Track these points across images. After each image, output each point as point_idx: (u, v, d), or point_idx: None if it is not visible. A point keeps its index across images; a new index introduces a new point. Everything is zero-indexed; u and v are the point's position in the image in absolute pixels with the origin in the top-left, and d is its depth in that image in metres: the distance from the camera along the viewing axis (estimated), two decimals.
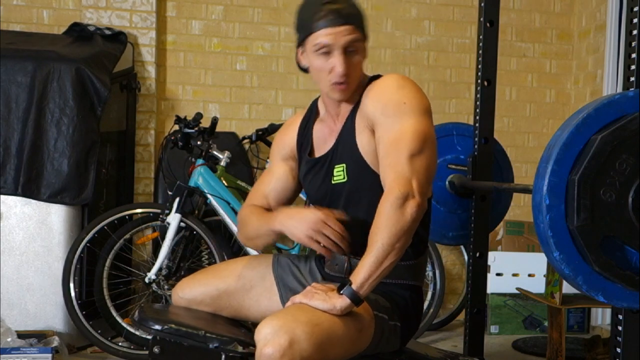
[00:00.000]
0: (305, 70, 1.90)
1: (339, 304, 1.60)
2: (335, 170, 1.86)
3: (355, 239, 1.82)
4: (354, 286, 1.61)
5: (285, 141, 2.04)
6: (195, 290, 1.99)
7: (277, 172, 2.04)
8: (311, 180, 1.94)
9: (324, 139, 1.94)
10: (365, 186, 1.81)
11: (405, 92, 1.77)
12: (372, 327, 1.71)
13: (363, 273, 1.62)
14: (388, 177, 1.69)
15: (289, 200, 2.06)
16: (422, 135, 1.72)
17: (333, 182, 1.86)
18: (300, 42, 1.83)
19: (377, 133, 1.77)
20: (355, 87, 1.83)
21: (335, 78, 1.77)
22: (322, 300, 1.61)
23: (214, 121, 3.38)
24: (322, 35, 1.75)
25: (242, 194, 3.46)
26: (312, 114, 2.00)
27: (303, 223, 1.73)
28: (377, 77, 1.88)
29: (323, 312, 1.60)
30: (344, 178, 1.84)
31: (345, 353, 1.65)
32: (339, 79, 1.77)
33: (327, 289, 1.65)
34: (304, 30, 1.79)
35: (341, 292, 1.62)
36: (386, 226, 1.62)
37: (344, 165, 1.84)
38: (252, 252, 3.31)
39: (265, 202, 2.03)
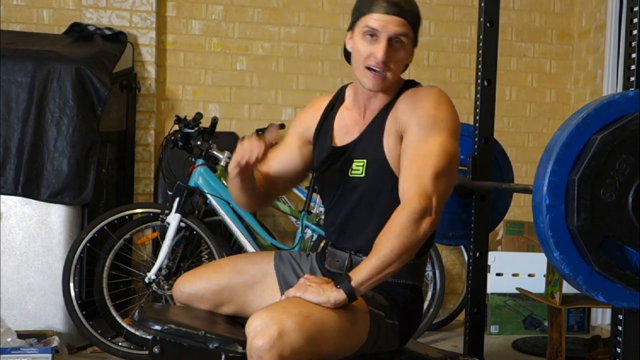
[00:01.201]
0: (347, 58, 1.90)
1: (334, 298, 1.61)
2: (354, 164, 1.86)
3: (362, 236, 1.84)
4: (353, 283, 1.62)
5: (306, 122, 2.04)
6: (196, 285, 1.99)
7: (288, 143, 2.04)
8: (327, 168, 1.93)
9: (346, 129, 1.93)
10: (382, 187, 1.82)
11: (444, 109, 1.79)
12: (366, 323, 1.71)
13: (365, 273, 1.63)
14: (410, 188, 1.70)
15: (291, 173, 2.04)
16: (451, 156, 1.75)
17: (350, 174, 1.86)
18: (352, 25, 1.84)
19: (406, 140, 1.77)
20: (390, 83, 1.82)
21: (371, 63, 1.77)
22: (316, 293, 1.62)
23: (214, 121, 3.38)
24: (373, 19, 1.77)
25: None
26: (337, 100, 2.00)
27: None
28: (413, 82, 1.90)
29: (315, 304, 1.61)
30: (362, 174, 1.84)
31: (338, 347, 1.65)
32: (375, 66, 1.77)
33: (321, 282, 1.67)
34: (358, 12, 1.82)
35: (339, 286, 1.63)
36: (399, 235, 1.64)
37: (365, 160, 1.84)
38: (253, 251, 3.32)
39: (267, 167, 2.02)
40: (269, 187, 2.01)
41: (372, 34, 1.77)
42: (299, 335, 1.53)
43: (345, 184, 1.88)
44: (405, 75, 1.96)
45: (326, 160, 1.93)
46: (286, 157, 2.03)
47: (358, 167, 1.85)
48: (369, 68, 1.79)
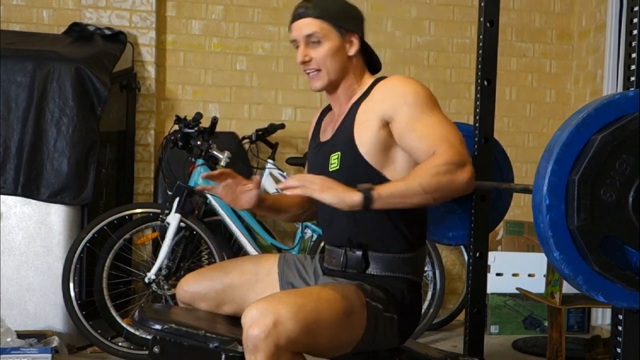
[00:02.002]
0: None
1: (349, 199, 1.61)
2: (331, 157, 1.90)
3: (346, 230, 1.87)
4: (374, 192, 1.62)
5: (309, 135, 2.14)
6: (200, 284, 2.02)
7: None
8: (312, 164, 2.01)
9: (325, 128, 2.03)
10: (357, 177, 1.81)
11: (419, 87, 1.82)
12: (363, 315, 1.72)
13: (389, 189, 1.64)
14: (440, 147, 1.69)
15: None
16: (454, 126, 1.79)
17: (330, 169, 1.90)
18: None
19: (399, 122, 1.78)
20: (332, 77, 1.91)
21: (302, 69, 1.92)
22: (334, 194, 1.61)
23: (214, 121, 3.38)
24: (291, 32, 1.93)
25: None
26: (329, 105, 2.09)
27: None
28: (384, 78, 1.93)
29: (310, 294, 1.64)
30: (337, 166, 1.87)
31: (335, 338, 1.66)
32: (304, 69, 1.91)
33: (336, 184, 1.65)
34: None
35: (358, 187, 1.63)
36: (433, 175, 1.63)
37: (339, 153, 1.88)
38: (253, 251, 3.32)
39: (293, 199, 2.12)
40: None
41: (296, 45, 1.92)
42: (294, 324, 1.54)
43: None
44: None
45: (311, 157, 2.03)
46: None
47: (334, 161, 1.88)
48: (305, 72, 1.93)
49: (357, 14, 1.95)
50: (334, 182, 1.66)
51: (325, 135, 2.00)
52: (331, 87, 1.94)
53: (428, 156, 1.71)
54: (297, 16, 1.90)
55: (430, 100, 1.80)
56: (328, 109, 2.09)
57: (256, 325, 1.53)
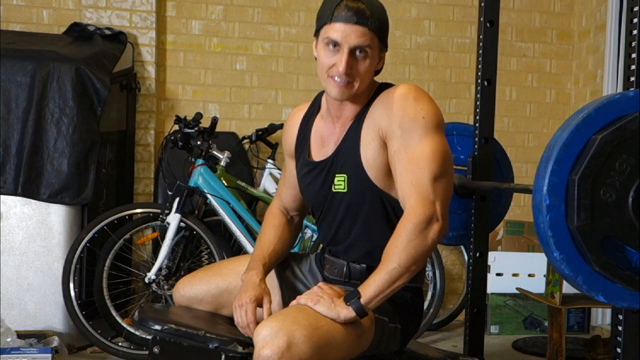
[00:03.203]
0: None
1: (344, 315, 1.60)
2: (336, 179, 1.83)
3: (355, 247, 1.84)
4: (362, 300, 1.61)
5: (287, 139, 2.02)
6: (196, 288, 1.99)
7: (288, 169, 2.05)
8: (309, 184, 1.92)
9: (322, 142, 1.90)
10: (364, 199, 1.80)
11: (422, 105, 1.72)
12: (372, 331, 1.71)
13: (374, 289, 1.62)
14: (411, 198, 1.66)
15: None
16: (443, 155, 1.70)
17: (334, 190, 1.84)
18: (316, 32, 1.79)
19: (392, 146, 1.72)
20: (358, 91, 1.76)
21: (334, 74, 1.73)
22: (327, 308, 1.61)
23: (214, 121, 3.38)
24: (333, 30, 1.71)
25: (242, 194, 3.46)
26: (314, 109, 1.96)
27: (239, 293, 1.81)
28: (388, 85, 1.84)
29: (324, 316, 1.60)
30: (344, 188, 1.82)
31: (344, 356, 1.65)
32: (338, 77, 1.72)
33: (333, 294, 1.65)
34: (321, 20, 1.76)
35: (348, 303, 1.61)
36: (406, 248, 1.61)
37: (346, 175, 1.81)
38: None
39: (280, 202, 2.08)
40: (296, 209, 2.08)
41: (335, 44, 1.71)
42: (307, 347, 1.51)
43: (331, 199, 1.87)
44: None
45: (307, 175, 1.92)
46: (292, 185, 2.03)
47: (340, 182, 1.82)
48: (332, 77, 1.74)
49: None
50: (324, 290, 1.65)
51: (325, 151, 1.88)
52: (348, 99, 1.79)
53: (402, 200, 1.69)
54: (350, 18, 1.69)
55: (424, 121, 1.70)
56: (312, 117, 1.94)
57: (269, 347, 1.49)
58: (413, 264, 1.62)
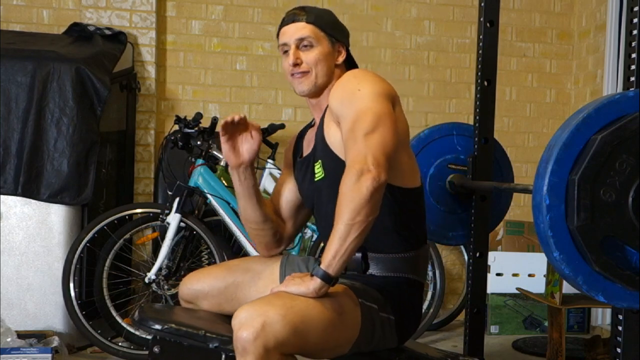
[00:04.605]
0: None
1: (312, 286, 1.64)
2: (315, 167, 1.92)
3: None
4: (322, 266, 1.64)
5: (287, 153, 2.15)
6: (203, 282, 2.03)
7: (282, 179, 2.15)
8: (302, 182, 2.02)
9: (308, 142, 2.03)
10: (339, 179, 1.80)
11: (359, 80, 1.81)
12: (357, 314, 1.72)
13: (330, 252, 1.65)
14: (347, 160, 1.71)
15: (295, 203, 2.11)
16: (375, 114, 1.73)
17: (315, 179, 1.92)
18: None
19: (340, 125, 1.80)
20: (319, 81, 1.91)
21: (291, 72, 1.90)
22: (297, 284, 1.66)
23: (214, 121, 3.38)
24: (281, 36, 1.94)
25: None
26: (310, 125, 2.08)
27: None
28: None
29: (300, 296, 1.64)
30: (322, 175, 1.89)
31: (327, 338, 1.66)
32: (293, 72, 1.90)
33: (303, 275, 1.70)
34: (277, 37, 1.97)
35: (312, 273, 1.66)
36: (345, 204, 1.64)
37: (321, 161, 1.89)
38: (253, 252, 3.32)
39: (271, 205, 2.13)
40: (285, 218, 2.11)
41: (285, 49, 1.92)
42: (282, 325, 1.55)
43: (315, 189, 1.95)
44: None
45: (299, 174, 2.03)
46: (282, 192, 2.11)
47: (318, 170, 1.90)
48: (291, 74, 1.91)
49: (345, 30, 2.01)
50: (293, 276, 1.71)
51: (307, 150, 2.01)
52: (315, 93, 1.93)
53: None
54: (288, 21, 1.93)
55: (360, 92, 1.77)
56: (307, 128, 2.09)
57: (245, 328, 1.54)
58: (356, 216, 1.63)
